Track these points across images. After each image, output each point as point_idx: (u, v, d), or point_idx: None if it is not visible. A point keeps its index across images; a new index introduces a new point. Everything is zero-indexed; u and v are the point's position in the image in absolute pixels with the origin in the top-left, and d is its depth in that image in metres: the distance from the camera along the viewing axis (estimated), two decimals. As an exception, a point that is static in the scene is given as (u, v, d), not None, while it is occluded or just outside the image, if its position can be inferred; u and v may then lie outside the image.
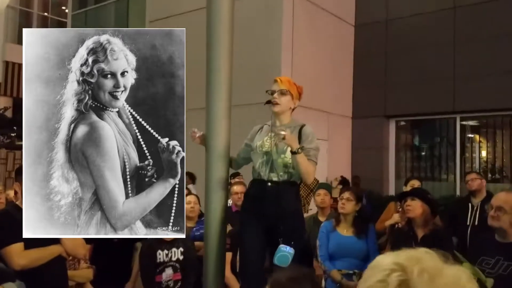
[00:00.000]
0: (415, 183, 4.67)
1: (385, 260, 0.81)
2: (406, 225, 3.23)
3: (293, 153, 2.52)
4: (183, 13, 8.17)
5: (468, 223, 4.38)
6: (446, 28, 7.55)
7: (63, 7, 14.90)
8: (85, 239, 3.01)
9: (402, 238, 3.15)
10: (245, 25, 6.85)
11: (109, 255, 3.60)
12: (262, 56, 7.00)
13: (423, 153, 8.46)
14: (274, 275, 1.68)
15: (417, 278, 0.74)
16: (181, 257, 3.50)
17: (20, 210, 2.69)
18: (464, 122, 7.79)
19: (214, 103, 2.76)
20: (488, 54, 7.11)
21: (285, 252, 2.43)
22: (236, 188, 4.32)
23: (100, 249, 3.69)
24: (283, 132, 2.49)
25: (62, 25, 14.80)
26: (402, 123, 8.48)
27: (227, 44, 2.79)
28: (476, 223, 4.29)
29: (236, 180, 5.06)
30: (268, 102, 2.73)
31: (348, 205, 3.40)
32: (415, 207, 3.12)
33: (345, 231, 3.41)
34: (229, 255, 3.46)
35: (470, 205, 4.49)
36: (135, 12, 10.07)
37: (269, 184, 2.62)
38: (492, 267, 2.46)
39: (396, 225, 3.89)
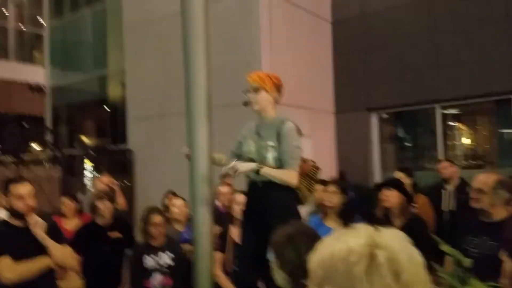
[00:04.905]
0: (398, 175, 4.75)
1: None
2: (383, 215, 3.29)
3: (257, 173, 2.59)
4: (161, 18, 8.16)
5: (444, 209, 4.57)
6: (422, 18, 7.65)
7: (38, 17, 14.70)
8: (74, 249, 3.01)
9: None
10: (224, 26, 6.88)
11: (100, 264, 3.60)
12: (241, 55, 7.03)
13: (407, 144, 8.56)
14: (274, 236, 1.75)
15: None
16: (170, 262, 3.50)
17: (6, 223, 2.68)
18: (445, 111, 7.91)
19: (193, 108, 2.77)
20: (466, 42, 7.23)
21: None
22: (222, 189, 4.34)
23: (90, 258, 3.68)
24: (232, 168, 2.58)
25: (39, 37, 14.59)
26: (385, 115, 8.58)
27: (203, 48, 2.79)
28: (453, 208, 4.46)
29: (224, 180, 5.08)
30: (245, 103, 2.74)
31: (334, 198, 3.45)
32: (391, 197, 3.19)
33: (332, 223, 3.46)
34: (219, 255, 3.49)
35: (443, 191, 4.64)
36: (113, 18, 10.02)
37: (259, 185, 2.67)
38: (476, 247, 2.53)
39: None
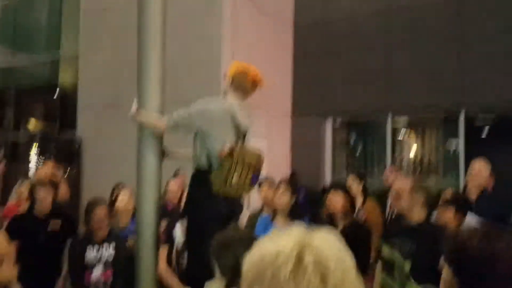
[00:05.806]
0: (351, 179, 4.87)
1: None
2: (327, 218, 3.33)
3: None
4: (121, 6, 7.92)
5: (386, 216, 4.70)
6: (381, 29, 7.82)
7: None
8: (9, 235, 2.84)
9: None
10: (185, 22, 6.79)
11: (34, 254, 3.41)
12: (201, 52, 6.97)
13: (359, 151, 8.74)
14: (213, 241, 1.82)
15: None
16: (112, 254, 3.39)
17: None
18: (395, 121, 8.13)
19: (147, 100, 2.76)
20: (418, 56, 7.46)
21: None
22: (171, 187, 4.26)
23: (24, 247, 3.49)
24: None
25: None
26: (339, 121, 8.71)
27: (159, 41, 2.76)
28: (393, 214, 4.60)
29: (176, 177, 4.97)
30: None
31: (283, 197, 3.44)
32: (336, 201, 3.23)
33: (281, 223, 3.45)
34: (165, 250, 3.40)
35: (388, 198, 4.80)
36: (70, 0, 9.64)
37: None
38: (399, 248, 2.64)
39: None
